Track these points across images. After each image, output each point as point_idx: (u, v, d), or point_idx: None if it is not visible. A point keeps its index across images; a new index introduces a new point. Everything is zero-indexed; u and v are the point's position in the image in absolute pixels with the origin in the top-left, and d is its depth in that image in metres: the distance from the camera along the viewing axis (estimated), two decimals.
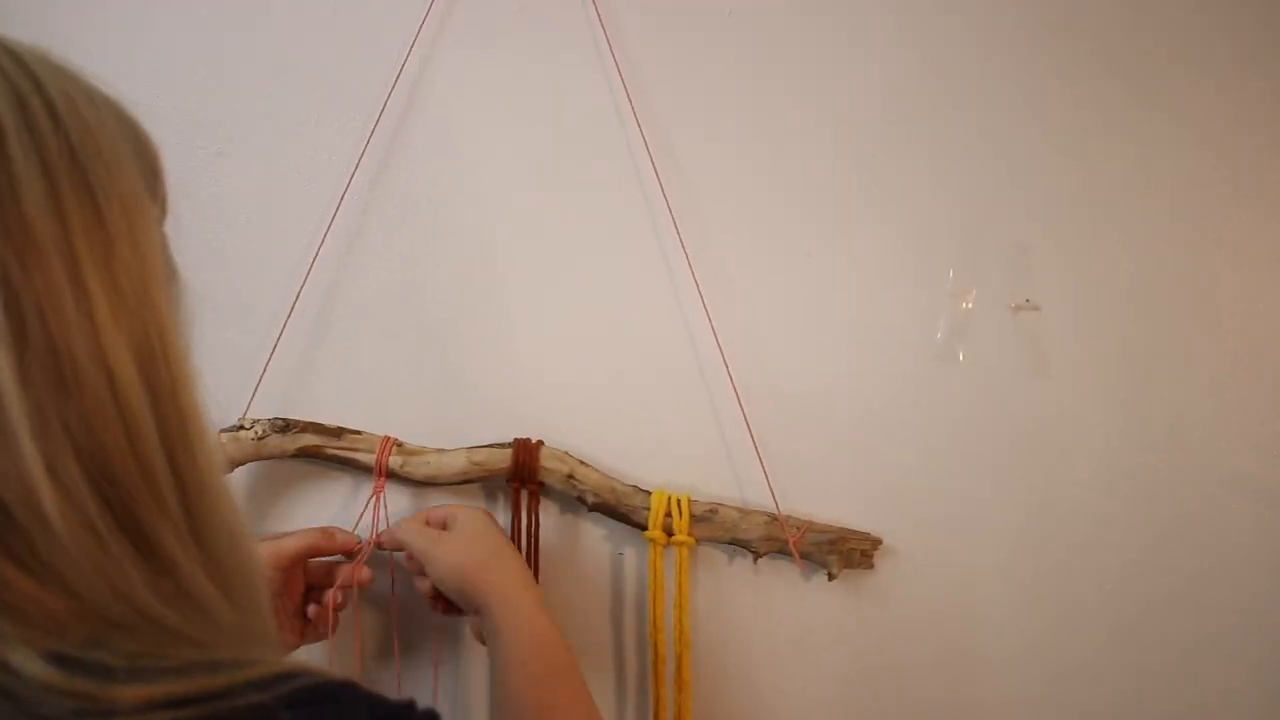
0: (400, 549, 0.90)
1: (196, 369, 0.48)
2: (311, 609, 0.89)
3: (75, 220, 0.42)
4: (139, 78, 0.98)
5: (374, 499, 0.94)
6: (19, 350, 0.40)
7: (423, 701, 0.49)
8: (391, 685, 0.98)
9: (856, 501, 0.97)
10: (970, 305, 0.97)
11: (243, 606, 0.47)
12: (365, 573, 0.90)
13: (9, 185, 0.41)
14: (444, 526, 0.89)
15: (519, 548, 0.96)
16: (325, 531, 0.90)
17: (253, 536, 0.50)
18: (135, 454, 0.43)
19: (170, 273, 0.51)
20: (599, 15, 0.95)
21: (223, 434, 0.93)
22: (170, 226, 0.95)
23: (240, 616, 0.47)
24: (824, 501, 0.96)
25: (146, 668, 0.40)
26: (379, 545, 0.92)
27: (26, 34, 0.95)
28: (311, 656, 0.98)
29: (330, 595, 0.88)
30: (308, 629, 0.90)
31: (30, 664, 0.39)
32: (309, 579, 0.91)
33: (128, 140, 0.47)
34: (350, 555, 0.91)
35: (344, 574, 0.90)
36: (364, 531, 0.93)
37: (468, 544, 0.85)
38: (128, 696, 0.39)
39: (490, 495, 0.99)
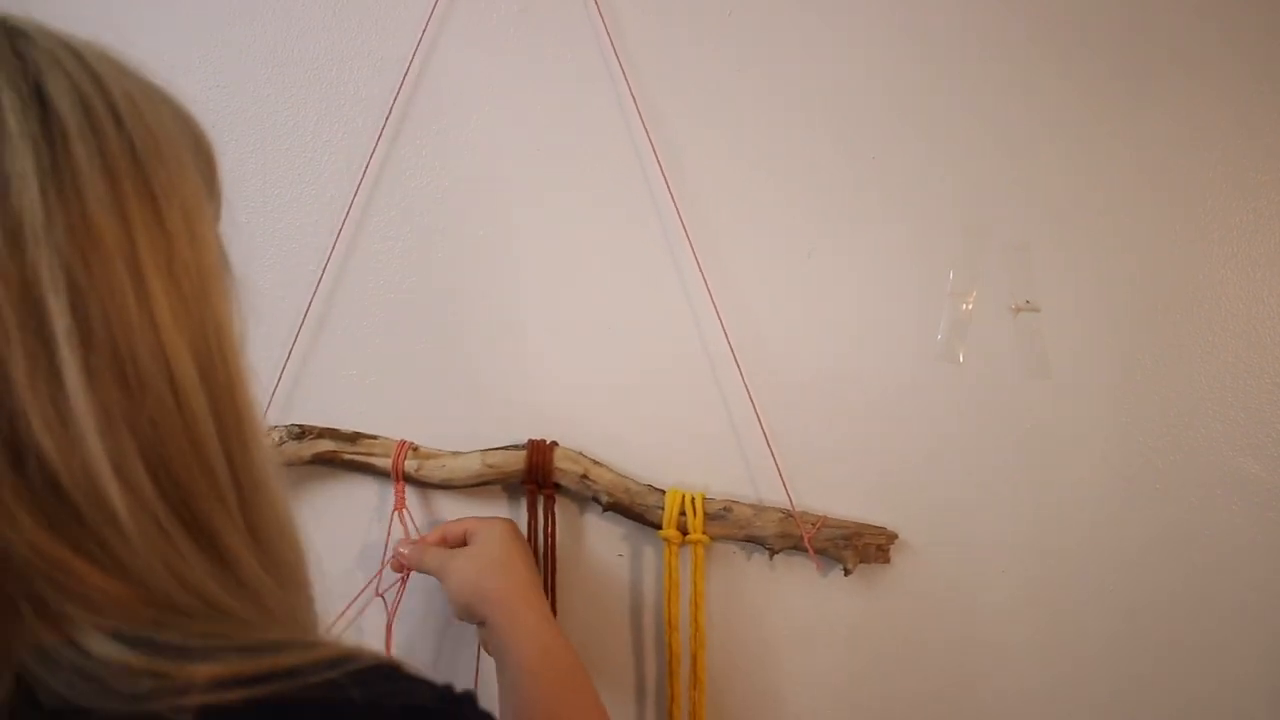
0: (415, 569, 0.91)
1: (250, 366, 0.49)
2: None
3: (137, 221, 0.42)
4: None
5: (395, 514, 0.95)
6: (85, 351, 0.40)
7: None
8: None
9: (869, 498, 0.98)
10: (972, 306, 0.98)
11: (294, 595, 0.49)
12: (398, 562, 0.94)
13: (73, 186, 0.41)
14: (464, 541, 0.90)
15: (535, 549, 0.97)
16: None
17: (301, 528, 0.51)
18: (196, 452, 0.44)
19: (227, 270, 0.51)
20: (601, 15, 0.95)
21: None
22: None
23: (291, 604, 0.48)
24: (837, 498, 0.98)
25: (217, 647, 0.41)
26: (394, 568, 0.93)
27: None
28: None
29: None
30: None
31: (104, 646, 0.40)
32: None
33: (186, 139, 0.48)
34: None
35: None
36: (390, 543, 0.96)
37: (476, 560, 0.86)
38: (202, 674, 0.39)
39: (511, 498, 0.99)
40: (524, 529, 0.97)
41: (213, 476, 0.44)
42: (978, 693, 1.01)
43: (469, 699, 0.49)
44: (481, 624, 0.83)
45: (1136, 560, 0.99)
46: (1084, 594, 1.00)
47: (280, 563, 0.48)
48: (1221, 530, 0.99)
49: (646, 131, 0.95)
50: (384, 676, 0.45)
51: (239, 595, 0.45)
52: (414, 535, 0.96)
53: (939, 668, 1.01)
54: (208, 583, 0.43)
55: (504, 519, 0.91)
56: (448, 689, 0.47)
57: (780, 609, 1.00)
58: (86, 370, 0.40)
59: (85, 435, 0.40)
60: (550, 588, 0.97)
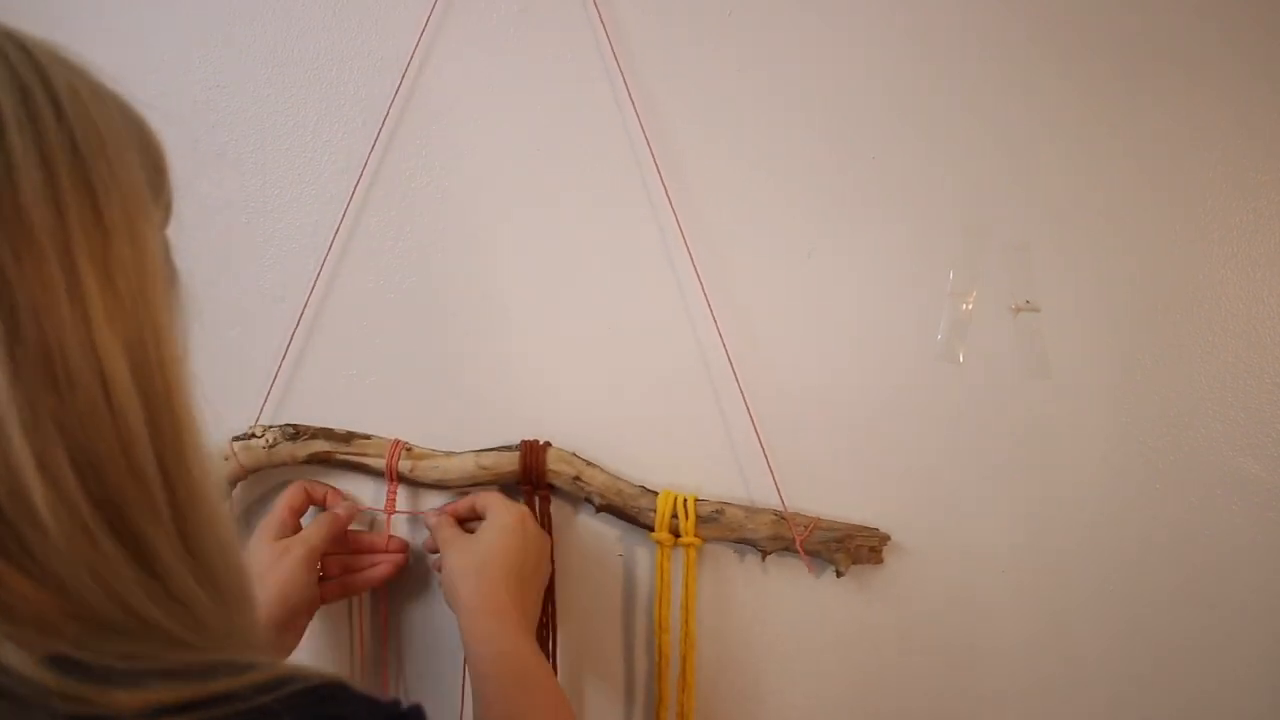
0: (434, 537, 0.92)
1: (192, 375, 0.48)
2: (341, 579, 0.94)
3: (73, 215, 0.42)
4: (138, 78, 0.95)
5: (387, 518, 0.96)
6: (10, 345, 0.39)
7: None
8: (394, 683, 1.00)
9: (863, 499, 0.98)
10: (971, 306, 0.97)
11: (233, 611, 0.47)
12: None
13: (6, 175, 0.40)
14: (483, 515, 0.91)
15: None
16: (332, 515, 0.93)
17: (242, 543, 0.50)
18: (127, 456, 0.43)
19: (171, 276, 0.50)
20: (600, 15, 0.95)
21: (234, 442, 0.93)
22: (172, 229, 0.95)
23: (230, 621, 0.47)
24: (831, 499, 0.97)
25: (143, 670, 0.40)
26: (424, 521, 0.96)
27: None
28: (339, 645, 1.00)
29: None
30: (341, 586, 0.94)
31: (24, 664, 0.38)
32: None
33: (133, 139, 0.47)
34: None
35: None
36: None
37: (462, 555, 0.86)
38: (126, 701, 0.38)
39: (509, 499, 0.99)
40: None
41: (144, 483, 0.43)
42: (974, 695, 1.00)
43: (415, 715, 0.48)
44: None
45: (1136, 561, 0.98)
46: (1083, 595, 0.99)
47: (217, 577, 0.47)
48: (1222, 530, 0.98)
49: (644, 132, 0.95)
50: (322, 699, 0.44)
51: (169, 608, 0.43)
52: (405, 535, 0.98)
53: (933, 670, 1.00)
54: (134, 591, 0.42)
55: (515, 510, 0.91)
56: (393, 706, 0.47)
57: (772, 611, 0.99)
58: (12, 363, 0.39)
59: (7, 430, 0.39)
60: (549, 589, 0.97)
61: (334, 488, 0.97)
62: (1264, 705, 0.99)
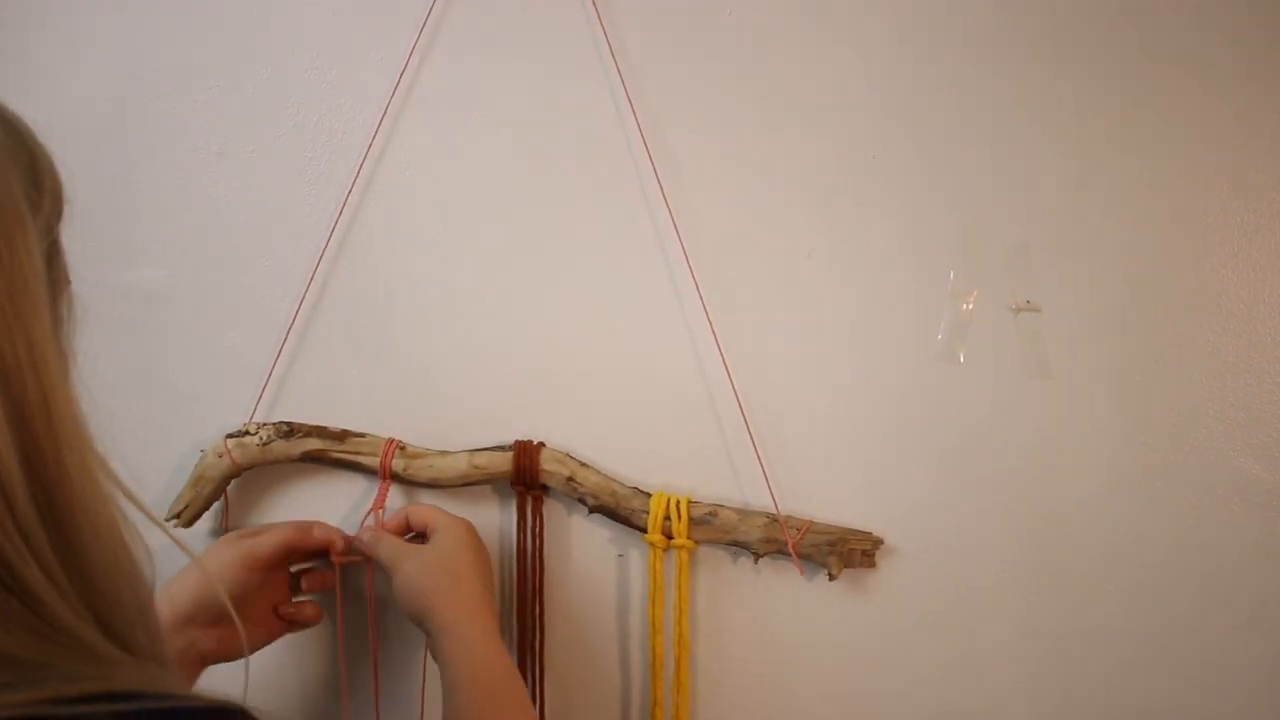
0: (370, 555, 0.91)
1: (75, 386, 0.47)
2: (306, 581, 0.94)
3: None
4: (139, 77, 0.98)
5: (372, 513, 0.95)
6: None
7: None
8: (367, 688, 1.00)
9: (858, 502, 0.97)
10: (971, 306, 0.97)
11: (123, 636, 0.45)
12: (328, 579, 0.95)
13: None
14: (425, 531, 0.90)
15: (523, 551, 0.97)
16: (300, 527, 0.91)
17: (141, 562, 0.49)
18: None
19: (58, 285, 0.50)
20: (599, 15, 0.95)
21: (228, 439, 0.94)
22: (172, 229, 0.96)
23: (122, 645, 0.45)
24: (825, 502, 0.97)
25: None
26: (357, 544, 0.93)
27: (23, 32, 0.96)
28: (298, 658, 1.00)
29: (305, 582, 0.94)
30: (282, 625, 0.92)
31: None
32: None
33: (6, 149, 0.46)
34: (328, 554, 0.93)
35: (316, 579, 0.95)
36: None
37: (425, 567, 0.86)
38: None
39: (501, 499, 1.00)
40: (512, 530, 0.98)
41: (9, 498, 0.41)
42: (968, 699, 0.99)
43: None
44: (426, 634, 0.84)
45: (1136, 561, 0.97)
46: (1080, 598, 0.98)
47: (107, 597, 0.45)
48: (1222, 530, 0.96)
49: (641, 132, 0.95)
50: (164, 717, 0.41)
51: (30, 630, 0.41)
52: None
53: (927, 674, 0.99)
54: None
55: (464, 521, 0.91)
56: None
57: (765, 613, 0.99)
58: None
59: None
60: (537, 590, 0.97)
61: (346, 536, 0.94)
62: (1265, 704, 0.98)
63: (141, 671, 0.46)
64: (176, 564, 0.82)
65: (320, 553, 0.93)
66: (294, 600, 0.93)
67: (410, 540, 0.91)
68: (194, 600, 0.82)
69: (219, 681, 0.84)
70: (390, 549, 0.88)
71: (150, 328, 0.99)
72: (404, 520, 0.92)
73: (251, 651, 0.88)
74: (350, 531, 0.94)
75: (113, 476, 0.47)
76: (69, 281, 0.52)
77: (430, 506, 0.93)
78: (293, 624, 0.92)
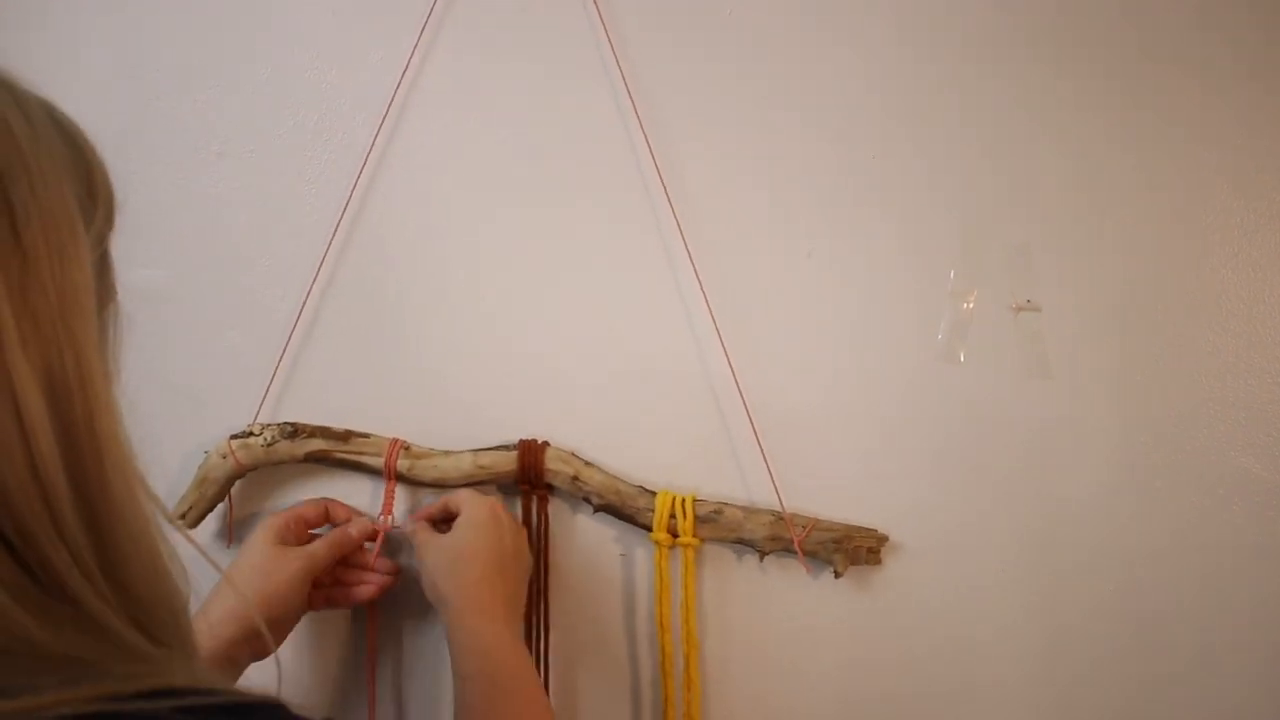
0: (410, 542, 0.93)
1: (118, 400, 0.47)
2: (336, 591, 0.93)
3: None
4: (139, 78, 0.98)
5: (382, 516, 0.96)
6: None
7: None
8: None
9: (862, 500, 0.97)
10: (971, 306, 0.97)
11: (163, 642, 0.46)
12: (386, 564, 0.95)
13: None
14: (454, 514, 0.91)
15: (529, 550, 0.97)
16: (345, 534, 0.93)
17: (177, 575, 0.49)
18: (37, 481, 0.42)
19: (105, 297, 0.50)
20: (600, 15, 0.95)
21: (232, 440, 0.93)
22: (171, 229, 0.95)
23: (161, 650, 0.46)
24: (829, 500, 0.97)
25: (20, 685, 0.39)
26: (397, 534, 0.96)
27: (23, 32, 0.95)
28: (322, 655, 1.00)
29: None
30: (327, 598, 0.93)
31: None
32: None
33: (64, 158, 0.46)
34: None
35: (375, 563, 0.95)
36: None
37: (442, 555, 0.87)
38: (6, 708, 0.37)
39: (506, 498, 0.99)
40: None
41: (55, 508, 0.42)
42: (974, 696, 1.00)
43: None
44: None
45: (1137, 561, 0.98)
46: (1083, 596, 0.99)
47: (148, 605, 0.46)
48: (1223, 530, 0.97)
49: (644, 132, 0.95)
50: (223, 712, 0.42)
51: (80, 634, 0.42)
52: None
53: (932, 671, 1.00)
54: (20, 618, 0.41)
55: (486, 503, 0.91)
56: None
57: (772, 611, 0.99)
58: None
59: None
60: (543, 589, 0.97)
61: (357, 511, 0.96)
62: (1265, 703, 0.98)
63: (188, 668, 0.47)
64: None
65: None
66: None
67: (442, 528, 0.92)
68: (235, 634, 0.82)
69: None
70: (420, 539, 0.90)
71: (152, 328, 0.98)
72: (443, 506, 0.93)
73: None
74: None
75: (151, 494, 0.48)
76: (116, 294, 0.51)
77: (465, 491, 0.93)
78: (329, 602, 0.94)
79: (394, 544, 0.97)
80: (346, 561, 0.94)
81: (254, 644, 0.83)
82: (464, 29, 0.97)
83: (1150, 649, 0.99)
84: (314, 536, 0.93)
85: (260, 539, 0.88)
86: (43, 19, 0.96)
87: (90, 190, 0.48)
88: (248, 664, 0.84)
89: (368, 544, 0.95)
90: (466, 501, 0.91)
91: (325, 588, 0.92)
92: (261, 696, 0.44)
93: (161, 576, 0.47)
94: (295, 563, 0.87)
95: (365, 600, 0.93)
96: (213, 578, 0.82)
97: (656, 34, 0.96)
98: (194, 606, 0.50)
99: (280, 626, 0.86)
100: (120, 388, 0.48)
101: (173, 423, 0.98)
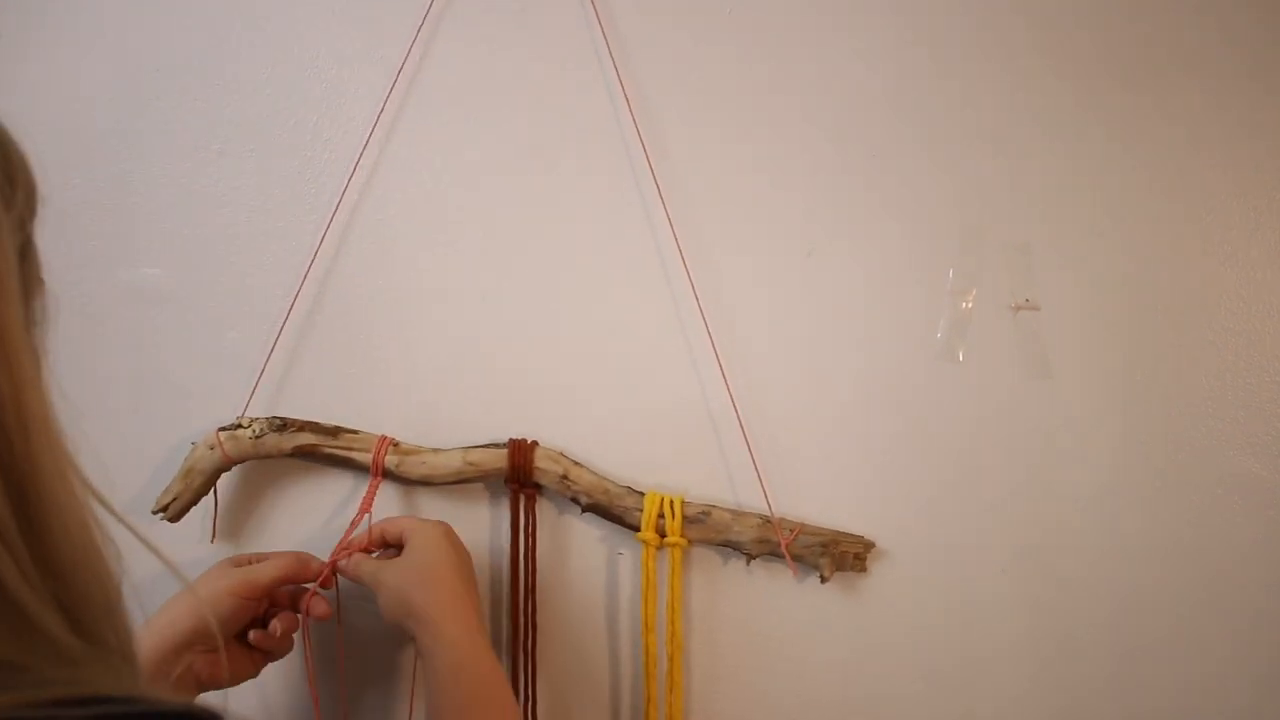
0: (353, 579, 0.90)
1: (48, 387, 0.46)
2: (253, 634, 0.88)
3: None
4: (139, 78, 0.99)
5: (361, 517, 0.94)
6: None
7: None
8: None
9: (852, 504, 0.96)
10: (970, 305, 0.96)
11: (95, 636, 0.45)
12: (321, 606, 0.90)
13: None
14: (400, 542, 0.89)
15: (516, 550, 0.96)
16: (300, 559, 0.91)
17: (110, 561, 0.48)
18: None
19: (32, 287, 0.50)
20: (598, 14, 0.95)
21: (220, 432, 0.94)
22: (172, 230, 0.97)
23: (95, 650, 0.45)
24: (819, 504, 0.96)
25: None
26: (340, 571, 0.92)
27: (24, 32, 0.97)
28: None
29: (274, 625, 0.88)
30: (257, 655, 0.89)
31: None
32: (273, 600, 0.91)
33: None
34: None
35: (301, 601, 0.90)
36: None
37: (404, 574, 0.86)
38: None
39: (493, 497, 0.99)
40: (505, 528, 0.97)
41: None
42: (964, 701, 0.98)
43: None
44: (411, 638, 0.84)
45: (1138, 561, 0.97)
46: (1081, 596, 0.97)
47: (77, 594, 0.45)
48: (1224, 530, 0.96)
49: (639, 132, 0.96)
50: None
51: (7, 631, 0.41)
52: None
53: (920, 677, 0.98)
54: None
55: (439, 522, 0.90)
56: None
57: (758, 614, 0.98)
58: None
59: None
60: (530, 588, 0.97)
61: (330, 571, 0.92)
62: (1266, 705, 0.97)
63: (111, 671, 0.45)
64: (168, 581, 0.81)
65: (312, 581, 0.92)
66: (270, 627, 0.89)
67: (386, 554, 0.91)
68: (192, 627, 0.81)
69: None
70: (369, 568, 0.88)
71: (147, 325, 0.99)
72: (378, 536, 0.91)
73: (235, 682, 0.87)
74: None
75: (84, 479, 0.47)
76: (42, 281, 0.51)
77: (401, 516, 0.92)
78: (269, 654, 0.90)
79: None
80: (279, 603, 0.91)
81: (198, 657, 0.82)
82: (462, 29, 0.98)
83: (1147, 649, 0.98)
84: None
85: (218, 563, 0.88)
86: (42, 19, 0.98)
87: (8, 175, 0.48)
88: (198, 687, 0.83)
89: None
90: (413, 524, 0.90)
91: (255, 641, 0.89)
92: (187, 705, 0.43)
93: (95, 562, 0.46)
94: (234, 576, 0.86)
95: (255, 642, 0.88)
96: (164, 576, 0.81)
97: (654, 35, 0.96)
98: (129, 598, 0.49)
99: (205, 641, 0.83)
100: (49, 370, 0.48)
101: (163, 416, 0.99)
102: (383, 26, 0.98)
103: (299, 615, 0.89)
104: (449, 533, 0.90)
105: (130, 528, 0.51)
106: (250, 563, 0.89)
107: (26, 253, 0.50)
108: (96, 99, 0.99)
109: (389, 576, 0.86)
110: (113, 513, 0.49)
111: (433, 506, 0.98)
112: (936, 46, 0.96)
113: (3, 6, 0.98)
